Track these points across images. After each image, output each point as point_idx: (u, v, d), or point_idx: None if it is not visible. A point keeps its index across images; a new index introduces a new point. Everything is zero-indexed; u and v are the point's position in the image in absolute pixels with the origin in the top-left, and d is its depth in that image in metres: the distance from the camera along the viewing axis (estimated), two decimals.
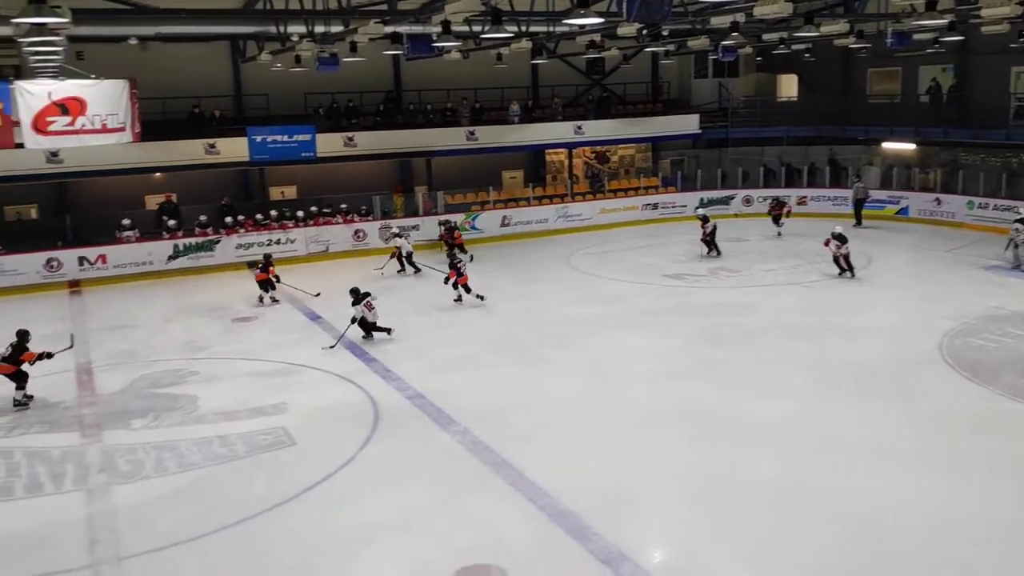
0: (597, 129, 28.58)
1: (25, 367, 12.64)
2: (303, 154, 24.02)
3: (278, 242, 23.35)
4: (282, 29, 19.80)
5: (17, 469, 10.40)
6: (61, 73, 18.38)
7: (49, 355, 12.86)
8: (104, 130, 18.66)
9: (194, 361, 14.56)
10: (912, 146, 27.44)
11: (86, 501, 9.53)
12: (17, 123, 18.14)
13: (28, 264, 20.92)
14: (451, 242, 22.11)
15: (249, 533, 8.70)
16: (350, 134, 25.16)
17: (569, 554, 8.11)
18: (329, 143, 24.54)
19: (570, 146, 29.24)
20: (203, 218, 23.07)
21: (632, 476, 9.68)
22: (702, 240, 21.96)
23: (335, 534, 8.59)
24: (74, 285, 21.14)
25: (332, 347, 14.99)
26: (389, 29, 16.22)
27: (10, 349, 12.62)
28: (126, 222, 22.30)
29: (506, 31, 16.33)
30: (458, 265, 17.80)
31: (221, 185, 24.78)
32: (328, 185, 25.77)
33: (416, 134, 26.23)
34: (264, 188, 26.08)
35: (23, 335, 12.82)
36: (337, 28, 17.88)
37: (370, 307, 15.33)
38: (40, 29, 10.70)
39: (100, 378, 13.89)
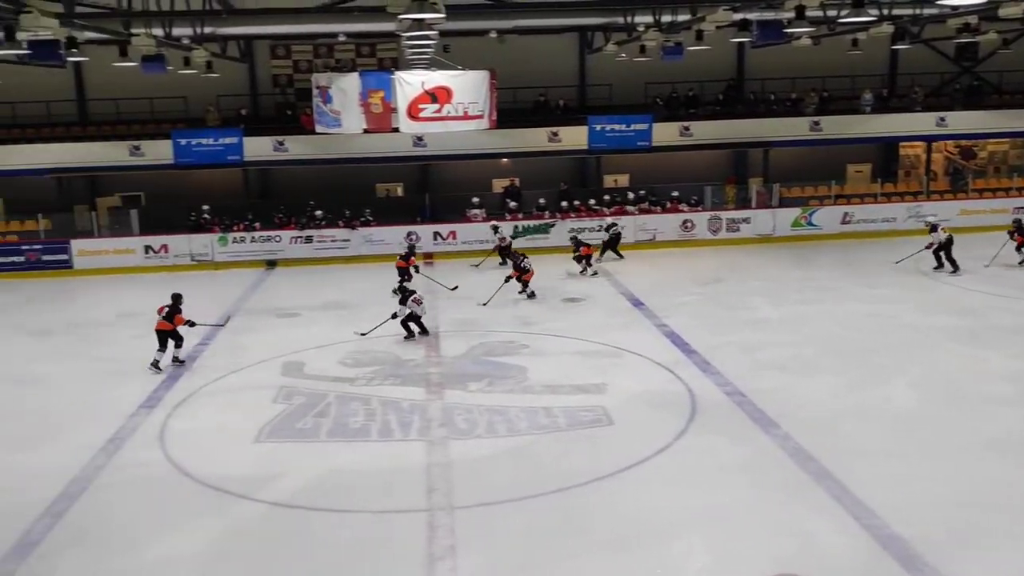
0: (964, 121, 25.71)
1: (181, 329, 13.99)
2: (639, 143, 24.44)
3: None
4: (629, 19, 20.20)
5: (374, 415, 11.78)
6: (432, 64, 20.44)
7: (192, 323, 14.06)
8: (465, 117, 20.48)
9: (525, 335, 15.46)
10: None
11: (427, 451, 10.55)
12: (394, 110, 20.53)
13: (393, 235, 23.55)
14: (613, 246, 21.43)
15: (568, 502, 9.08)
16: (687, 124, 25.09)
17: None
18: (665, 132, 24.68)
19: (930, 139, 26.64)
20: (542, 201, 24.36)
21: (978, 508, 8.62)
22: (931, 252, 19.19)
23: (649, 516, 8.68)
24: (428, 257, 23.45)
25: (364, 334, 15.23)
26: (738, 16, 15.86)
27: (167, 309, 13.93)
28: (476, 200, 24.19)
29: (867, 15, 15.22)
30: (522, 264, 17.85)
31: (560, 171, 25.99)
32: (660, 174, 25.93)
33: (755, 124, 25.50)
34: (599, 175, 26.89)
35: (177, 298, 14.08)
36: (684, 16, 17.86)
37: (418, 302, 15.29)
38: (419, 24, 11.94)
39: (445, 342, 15.28)
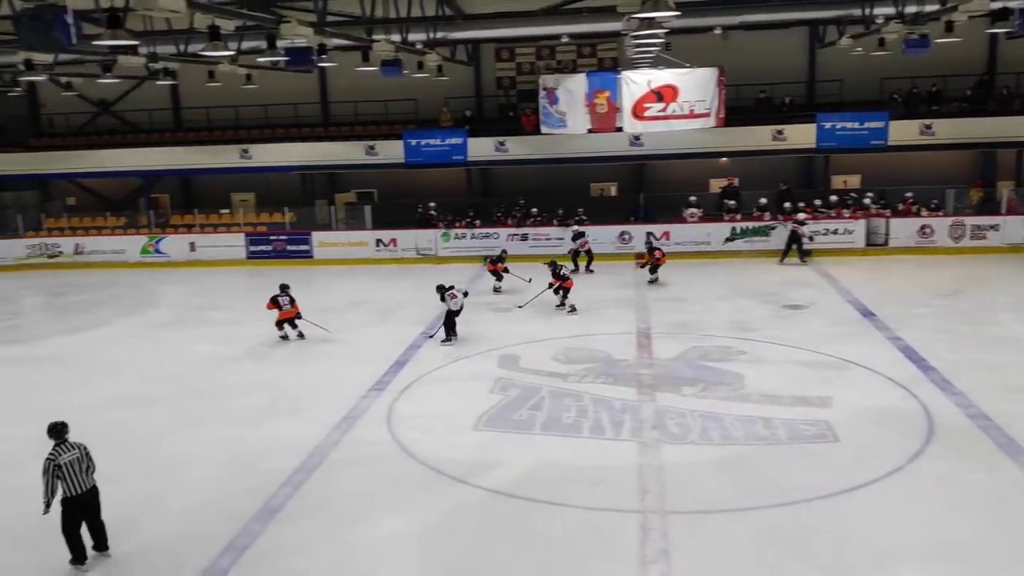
0: None
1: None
2: (873, 142, 23.03)
3: (835, 232, 22.68)
4: (867, 11, 18.97)
5: (585, 412, 11.86)
6: (657, 63, 20.27)
7: (300, 316, 16.00)
8: (691, 115, 20.18)
9: (742, 341, 14.95)
10: None
11: (638, 452, 10.47)
12: (619, 109, 20.59)
13: (605, 235, 23.63)
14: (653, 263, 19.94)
15: (788, 518, 8.69)
16: (928, 121, 23.26)
17: None
18: (903, 131, 23.05)
19: None
20: (763, 201, 23.45)
21: None
22: None
23: (875, 542, 8.12)
24: (640, 257, 23.26)
25: (433, 336, 15.65)
26: (996, 5, 14.44)
27: (288, 299, 15.95)
28: (693, 199, 23.68)
29: None
30: (561, 272, 17.67)
31: (782, 171, 24.95)
32: (896, 175, 24.23)
33: (1008, 122, 23.20)
34: (827, 176, 25.53)
35: (287, 288, 16.10)
36: (932, 7, 16.54)
37: (453, 296, 15.44)
38: (648, 23, 11.86)
39: (657, 344, 15.11)
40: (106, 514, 8.38)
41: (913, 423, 10.96)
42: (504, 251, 20.51)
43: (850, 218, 22.72)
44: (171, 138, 28.36)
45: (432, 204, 24.81)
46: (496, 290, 19.49)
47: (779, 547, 8.14)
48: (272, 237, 25.24)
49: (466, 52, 26.48)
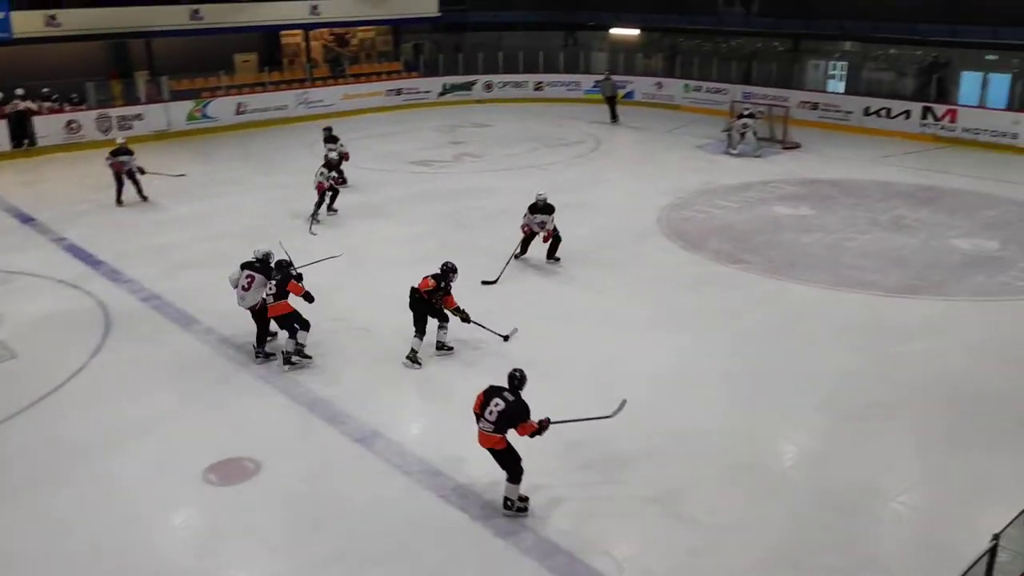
0: (334, 10, 27.45)
1: None
2: None
3: None
4: None
5: None
6: None
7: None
8: None
9: None
10: (637, 32, 29.02)
11: None
12: None
13: None
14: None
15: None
16: (52, 12, 22.34)
17: (324, 439, 8.27)
18: (27, 22, 21.69)
19: (307, 27, 27.94)
20: None
21: (387, 358, 9.85)
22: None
23: (72, 445, 8.11)
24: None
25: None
26: None
27: None
28: None
29: None
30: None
31: None
32: (24, 69, 22.64)
33: (131, 12, 23.72)
34: None
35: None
36: None
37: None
38: None
39: None
40: None
41: (89, 320, 11.04)
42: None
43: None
44: None
45: None
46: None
47: None
48: None
49: None
